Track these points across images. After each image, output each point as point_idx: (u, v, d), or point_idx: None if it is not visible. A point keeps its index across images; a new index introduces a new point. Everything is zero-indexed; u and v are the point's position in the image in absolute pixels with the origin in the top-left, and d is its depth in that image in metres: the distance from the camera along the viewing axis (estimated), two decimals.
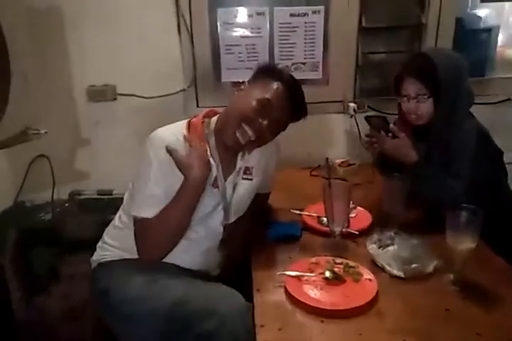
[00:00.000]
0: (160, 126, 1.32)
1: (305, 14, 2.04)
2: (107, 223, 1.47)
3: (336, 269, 1.19)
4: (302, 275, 1.17)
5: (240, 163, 1.39)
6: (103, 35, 1.99)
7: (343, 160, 2.07)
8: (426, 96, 1.46)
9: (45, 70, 1.92)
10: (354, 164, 2.05)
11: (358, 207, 1.54)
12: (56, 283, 1.77)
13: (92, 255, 1.43)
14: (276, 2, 2.02)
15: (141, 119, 2.03)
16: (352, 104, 2.14)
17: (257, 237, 1.41)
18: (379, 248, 1.25)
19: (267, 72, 1.36)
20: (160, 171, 1.25)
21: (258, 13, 2.03)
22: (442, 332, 1.00)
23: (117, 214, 1.44)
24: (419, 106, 1.48)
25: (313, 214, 1.50)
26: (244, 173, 1.41)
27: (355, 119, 2.13)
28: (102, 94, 2.04)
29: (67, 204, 2.06)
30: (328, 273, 1.17)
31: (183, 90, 2.09)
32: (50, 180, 2.03)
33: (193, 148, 1.26)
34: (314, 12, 2.04)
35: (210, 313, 1.10)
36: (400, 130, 1.49)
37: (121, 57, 2.03)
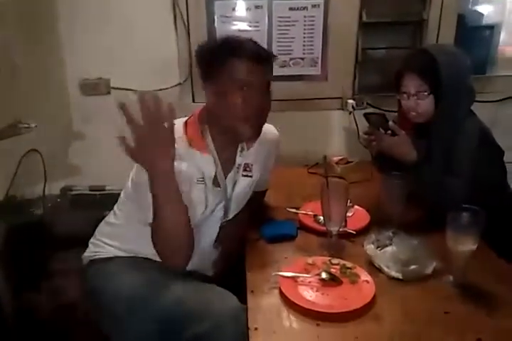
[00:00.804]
0: None
1: (304, 8, 2.01)
2: (99, 219, 1.45)
3: (332, 270, 1.17)
4: (298, 276, 1.14)
5: (239, 160, 1.36)
6: (97, 27, 1.96)
7: (340, 157, 2.05)
8: (426, 93, 1.44)
9: (37, 62, 1.88)
10: (352, 162, 2.03)
11: (356, 206, 1.52)
12: (46, 279, 1.75)
13: (83, 251, 1.41)
14: None
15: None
16: (351, 101, 2.11)
17: (252, 236, 1.39)
18: (377, 248, 1.23)
19: (210, 63, 1.25)
20: None
21: (256, 7, 2.00)
22: (441, 336, 0.98)
23: (112, 211, 1.41)
24: (419, 103, 1.46)
25: (310, 213, 1.48)
26: (244, 170, 1.38)
27: (354, 116, 2.11)
28: (95, 87, 2.02)
29: (58, 200, 2.04)
30: (324, 275, 1.14)
31: (179, 84, 2.06)
32: (41, 175, 2.00)
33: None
34: (314, 6, 2.01)
35: (203, 315, 1.08)
36: (400, 128, 1.47)
37: (115, 50, 1.99)
